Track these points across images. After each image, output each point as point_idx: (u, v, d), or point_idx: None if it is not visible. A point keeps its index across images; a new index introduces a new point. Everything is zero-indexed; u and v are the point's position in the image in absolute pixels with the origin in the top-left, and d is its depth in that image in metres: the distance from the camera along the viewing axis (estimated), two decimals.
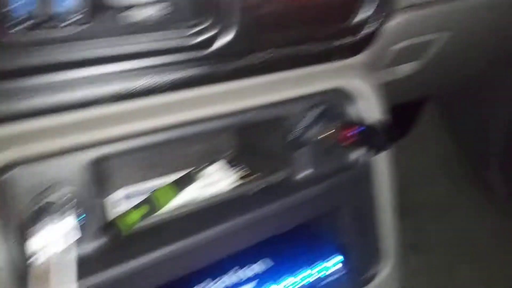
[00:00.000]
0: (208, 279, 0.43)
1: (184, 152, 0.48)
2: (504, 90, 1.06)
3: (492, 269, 1.10)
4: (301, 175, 0.48)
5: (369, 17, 0.44)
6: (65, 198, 0.35)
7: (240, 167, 0.48)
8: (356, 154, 0.51)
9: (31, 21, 0.29)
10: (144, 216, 0.39)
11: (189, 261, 0.41)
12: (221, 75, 0.39)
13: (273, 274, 0.47)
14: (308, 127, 0.46)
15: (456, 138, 1.24)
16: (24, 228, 0.33)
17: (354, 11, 0.44)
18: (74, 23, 0.31)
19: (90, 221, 0.37)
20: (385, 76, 0.60)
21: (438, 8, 0.52)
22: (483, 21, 0.60)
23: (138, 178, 0.45)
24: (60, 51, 0.31)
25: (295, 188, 0.47)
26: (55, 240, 0.33)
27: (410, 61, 0.61)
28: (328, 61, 0.46)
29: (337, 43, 0.44)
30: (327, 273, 0.50)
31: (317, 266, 0.50)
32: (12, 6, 0.28)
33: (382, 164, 0.53)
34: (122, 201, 0.43)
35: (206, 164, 0.47)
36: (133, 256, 0.37)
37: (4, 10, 0.28)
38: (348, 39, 0.45)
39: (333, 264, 0.51)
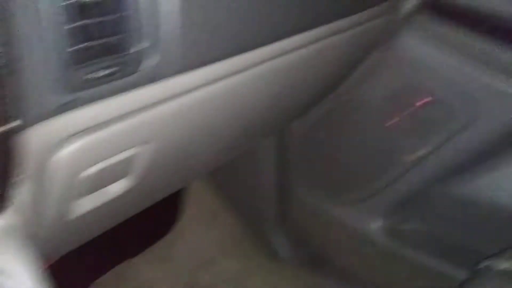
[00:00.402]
0: None
1: None
2: (264, 158, 1.09)
3: None
4: None
5: None
6: None
7: None
8: None
9: None
10: None
11: None
12: None
13: None
14: None
15: (235, 211, 1.25)
16: None
17: None
18: None
19: None
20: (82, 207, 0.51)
21: (124, 125, 0.46)
22: (191, 125, 0.56)
23: None
24: None
25: None
26: None
27: (115, 181, 0.53)
28: None
29: None
30: None
31: None
32: None
33: None
34: None
35: None
36: None
37: None
38: None
39: None
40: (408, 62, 0.82)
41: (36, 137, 0.37)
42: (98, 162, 0.45)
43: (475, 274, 0.66)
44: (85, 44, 0.34)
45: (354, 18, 0.68)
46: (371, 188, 0.98)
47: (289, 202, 1.18)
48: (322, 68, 0.73)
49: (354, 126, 0.94)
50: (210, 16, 0.44)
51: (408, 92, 0.84)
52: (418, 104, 0.83)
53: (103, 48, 0.36)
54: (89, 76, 0.36)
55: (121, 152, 0.46)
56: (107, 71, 0.37)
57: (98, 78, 0.37)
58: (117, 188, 0.53)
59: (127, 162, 0.49)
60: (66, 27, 0.33)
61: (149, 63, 0.41)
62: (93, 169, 0.45)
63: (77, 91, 0.36)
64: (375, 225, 1.02)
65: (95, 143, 0.42)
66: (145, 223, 1.10)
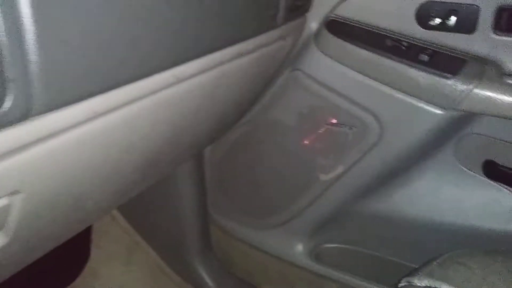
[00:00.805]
0: None
1: None
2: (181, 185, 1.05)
3: None
4: None
5: None
6: None
7: None
8: None
9: None
10: None
11: None
12: None
13: None
14: None
15: (154, 243, 1.19)
16: None
17: None
18: None
19: None
20: None
21: None
22: (74, 165, 0.49)
23: None
24: None
25: None
26: None
27: None
28: None
29: None
30: None
31: None
32: None
33: None
34: None
35: None
36: None
37: None
38: None
39: None
40: (314, 82, 0.81)
41: None
42: None
43: None
44: None
45: (257, 40, 0.65)
46: (291, 210, 0.96)
47: (210, 229, 1.13)
48: (228, 92, 0.69)
49: (269, 148, 0.92)
50: (78, 52, 0.39)
51: (319, 112, 0.83)
52: (328, 123, 0.82)
53: None
54: None
55: None
56: None
57: None
58: None
59: None
60: None
61: (5, 104, 0.34)
62: None
63: None
64: (298, 248, 0.99)
65: None
66: (47, 270, 1.00)
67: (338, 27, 0.77)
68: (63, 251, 0.77)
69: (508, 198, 0.78)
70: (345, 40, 0.75)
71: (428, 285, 0.64)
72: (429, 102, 0.71)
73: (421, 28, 0.72)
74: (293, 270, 1.02)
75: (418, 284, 0.64)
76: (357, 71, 0.76)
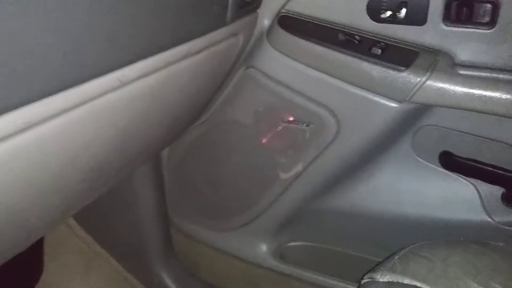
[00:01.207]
0: None
1: None
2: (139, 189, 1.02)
3: None
4: None
5: None
6: None
7: None
8: None
9: None
10: None
11: None
12: None
13: None
14: None
15: (114, 252, 1.15)
16: None
17: None
18: None
19: None
20: None
21: None
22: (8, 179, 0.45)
23: None
24: None
25: None
26: None
27: None
28: None
29: None
30: None
31: None
32: None
33: None
34: None
35: None
36: None
37: None
38: None
39: None
40: (269, 79, 0.79)
41: None
42: None
43: None
44: None
45: (206, 38, 0.63)
46: (253, 210, 0.94)
47: (172, 234, 1.10)
48: (179, 93, 0.66)
49: (227, 148, 0.90)
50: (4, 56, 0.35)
51: (275, 110, 0.82)
52: (285, 120, 0.81)
53: None
54: None
55: None
56: None
57: None
58: None
59: None
60: None
61: None
62: None
63: None
64: (262, 248, 0.98)
65: None
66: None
67: (290, 23, 0.75)
68: (13, 266, 0.72)
69: (465, 189, 0.78)
70: (297, 36, 0.74)
71: (391, 280, 0.63)
72: (384, 95, 0.70)
73: (373, 21, 0.72)
74: (258, 270, 1.00)
75: (381, 280, 0.64)
76: (311, 67, 0.74)
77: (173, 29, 0.55)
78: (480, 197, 0.77)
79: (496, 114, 0.66)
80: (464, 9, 0.67)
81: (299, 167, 0.85)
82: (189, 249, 1.10)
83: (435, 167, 0.79)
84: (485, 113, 0.67)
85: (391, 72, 0.68)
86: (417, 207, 0.82)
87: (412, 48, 0.71)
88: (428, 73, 0.66)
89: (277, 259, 0.97)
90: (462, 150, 0.76)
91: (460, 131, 0.74)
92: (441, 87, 0.67)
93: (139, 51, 0.51)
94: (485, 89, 0.65)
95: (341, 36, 0.72)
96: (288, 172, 0.87)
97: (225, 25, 0.66)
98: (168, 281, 1.14)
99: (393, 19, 0.70)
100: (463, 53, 0.69)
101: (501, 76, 0.67)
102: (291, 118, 0.81)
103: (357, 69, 0.70)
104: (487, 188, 0.77)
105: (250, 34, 0.77)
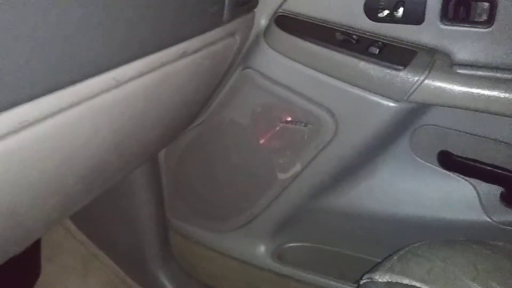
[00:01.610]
0: None
1: None
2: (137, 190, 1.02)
3: None
4: None
5: None
6: None
7: None
8: None
9: None
10: None
11: None
12: None
13: None
14: None
15: (112, 253, 1.15)
16: None
17: None
18: None
19: None
20: None
21: None
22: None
23: None
24: None
25: None
26: None
27: None
28: None
29: None
30: None
31: None
32: None
33: None
34: None
35: None
36: None
37: None
38: None
39: None
40: (266, 80, 0.79)
41: None
42: None
43: None
44: None
45: (203, 38, 0.62)
46: (251, 211, 0.94)
47: (170, 235, 1.09)
48: (175, 93, 0.66)
49: (225, 149, 0.90)
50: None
51: (273, 110, 0.82)
52: (283, 120, 0.80)
53: None
54: None
55: None
56: None
57: None
58: None
59: None
60: None
61: None
62: None
63: None
64: (260, 249, 0.98)
65: None
66: None
67: (287, 22, 0.75)
68: (10, 268, 0.72)
69: (464, 188, 0.78)
70: (295, 35, 0.73)
71: (390, 280, 0.63)
72: (382, 95, 0.70)
73: (370, 21, 0.71)
74: (256, 271, 1.00)
75: (380, 280, 0.63)
76: (308, 67, 0.74)
77: (169, 28, 0.55)
78: (479, 196, 0.77)
79: (494, 113, 0.66)
80: (462, 8, 0.67)
81: (297, 168, 0.85)
82: (187, 250, 1.10)
83: (434, 166, 0.79)
84: (483, 112, 0.67)
85: (388, 71, 0.68)
86: (416, 207, 0.81)
87: (409, 47, 0.70)
88: (426, 72, 0.66)
89: (276, 260, 0.97)
90: (460, 149, 0.76)
91: (459, 131, 0.74)
92: (439, 86, 0.66)
93: (134, 50, 0.51)
94: (483, 88, 0.65)
95: (338, 36, 0.72)
96: (286, 173, 0.86)
97: (222, 25, 0.65)
98: (166, 282, 1.13)
99: (391, 18, 0.70)
100: (461, 52, 0.69)
101: (499, 75, 0.67)
102: (289, 118, 0.80)
103: (354, 69, 0.70)
104: (486, 188, 0.77)
105: (247, 34, 0.76)
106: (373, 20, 0.71)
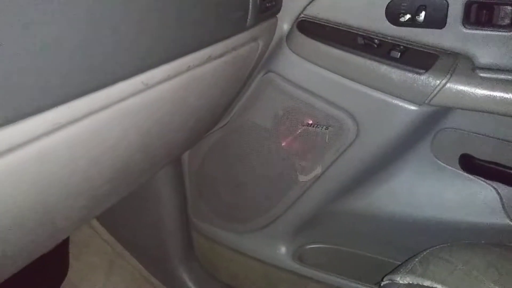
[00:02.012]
0: None
1: None
2: (161, 191, 1.03)
3: None
4: None
5: None
6: None
7: None
8: None
9: None
10: None
11: None
12: None
13: None
14: None
15: (136, 253, 1.18)
16: None
17: None
18: None
19: None
20: None
21: None
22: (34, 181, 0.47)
23: None
24: None
25: None
26: None
27: None
28: None
29: None
30: None
31: None
32: None
33: None
34: None
35: None
36: None
37: None
38: None
39: None
40: (288, 84, 0.80)
41: None
42: None
43: None
44: None
45: (227, 43, 0.64)
46: (273, 212, 0.95)
47: (192, 236, 1.11)
48: (201, 97, 0.68)
49: (247, 152, 0.91)
50: (34, 61, 0.37)
51: (294, 113, 0.83)
52: (305, 124, 0.81)
53: None
54: None
55: None
56: None
57: None
58: None
59: None
60: None
61: None
62: None
63: None
64: (281, 250, 0.99)
65: None
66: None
67: (309, 27, 0.76)
68: (39, 266, 0.74)
69: (486, 191, 0.78)
70: (317, 40, 0.74)
71: (411, 282, 0.63)
72: (403, 98, 0.71)
73: (392, 25, 0.72)
74: (277, 272, 1.01)
75: (401, 282, 0.64)
76: (330, 71, 0.75)
77: (195, 33, 0.57)
78: (501, 199, 0.77)
79: None
80: (484, 11, 0.67)
81: (318, 170, 0.86)
82: (209, 250, 1.11)
83: (455, 169, 0.79)
84: (505, 115, 0.67)
85: (410, 75, 0.68)
86: (437, 209, 0.81)
87: (431, 51, 0.71)
88: (448, 76, 0.67)
89: (296, 261, 0.98)
90: (482, 152, 0.76)
91: (480, 134, 0.74)
92: (461, 90, 0.67)
93: (162, 55, 0.53)
94: (506, 92, 0.65)
95: (360, 40, 0.73)
96: (307, 175, 0.87)
97: (246, 30, 0.67)
98: (189, 282, 1.15)
99: (412, 23, 0.70)
100: (483, 56, 0.69)
101: None
102: (310, 122, 0.81)
103: (376, 72, 0.71)
104: (508, 191, 0.76)
105: (270, 39, 0.78)
106: (394, 25, 0.72)
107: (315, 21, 0.77)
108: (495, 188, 0.77)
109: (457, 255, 0.64)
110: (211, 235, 1.06)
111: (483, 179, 0.77)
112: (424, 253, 0.68)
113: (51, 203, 0.52)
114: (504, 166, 0.75)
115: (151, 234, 1.11)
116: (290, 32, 0.78)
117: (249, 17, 0.66)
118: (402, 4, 0.69)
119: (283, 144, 0.87)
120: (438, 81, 0.67)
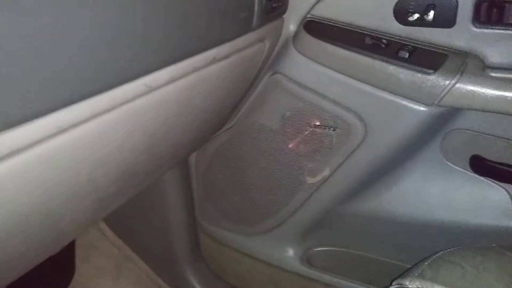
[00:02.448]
0: None
1: None
2: (168, 194, 1.03)
3: None
4: None
5: None
6: None
7: None
8: None
9: None
10: None
11: None
12: None
13: None
14: None
15: (143, 255, 1.18)
16: None
17: None
18: None
19: None
20: None
21: None
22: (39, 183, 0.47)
23: None
24: None
25: None
26: None
27: None
28: None
29: None
30: None
31: None
32: None
33: None
34: None
35: None
36: None
37: None
38: None
39: None
40: (295, 84, 0.80)
41: None
42: None
43: None
44: None
45: (233, 44, 0.63)
46: (280, 215, 0.94)
47: (200, 238, 1.11)
48: (206, 98, 0.67)
49: (254, 153, 0.90)
50: (36, 63, 0.37)
51: (301, 114, 0.82)
52: (312, 125, 0.81)
53: None
54: None
55: None
56: None
57: None
58: None
59: None
60: None
61: None
62: None
63: None
64: (289, 252, 0.98)
65: None
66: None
67: (316, 28, 0.75)
68: (45, 268, 0.74)
69: (497, 193, 0.76)
70: (323, 40, 0.74)
71: (420, 286, 0.62)
72: (412, 99, 0.70)
73: (400, 25, 0.71)
74: (285, 275, 1.00)
75: (410, 286, 0.63)
76: (337, 71, 0.74)
77: (200, 35, 0.56)
78: None
79: None
80: (494, 10, 0.66)
81: (326, 172, 0.85)
82: (216, 252, 1.11)
83: (465, 171, 0.78)
84: None
85: (419, 75, 0.67)
86: (447, 212, 0.80)
87: (440, 51, 0.70)
88: (458, 76, 0.65)
89: (304, 264, 0.97)
90: (493, 153, 0.74)
91: (491, 135, 0.73)
92: (471, 90, 0.66)
93: (167, 56, 0.52)
94: None
95: (368, 40, 0.72)
96: (315, 177, 0.86)
97: (252, 30, 0.66)
98: (196, 284, 1.15)
99: (421, 22, 0.69)
100: (494, 55, 0.68)
101: None
102: (317, 123, 0.81)
103: (384, 73, 0.70)
104: None
105: (276, 40, 0.77)
106: (403, 24, 0.71)
107: (322, 21, 0.76)
108: (506, 190, 0.75)
109: (468, 259, 0.63)
110: (218, 237, 1.06)
111: (494, 180, 0.76)
112: (434, 256, 0.66)
113: (56, 206, 0.52)
114: None
115: (158, 236, 1.11)
116: (296, 32, 0.77)
117: (254, 18, 0.65)
118: (411, 3, 0.68)
119: (290, 145, 0.86)
120: (447, 81, 0.66)
